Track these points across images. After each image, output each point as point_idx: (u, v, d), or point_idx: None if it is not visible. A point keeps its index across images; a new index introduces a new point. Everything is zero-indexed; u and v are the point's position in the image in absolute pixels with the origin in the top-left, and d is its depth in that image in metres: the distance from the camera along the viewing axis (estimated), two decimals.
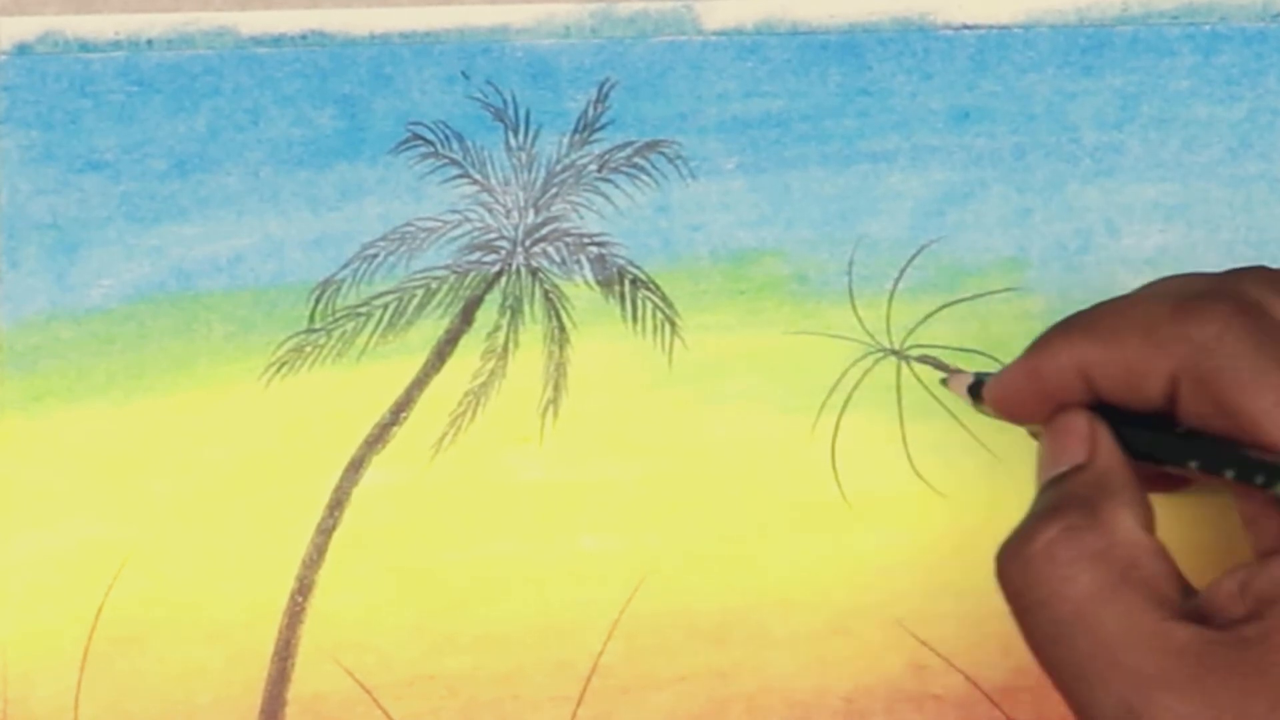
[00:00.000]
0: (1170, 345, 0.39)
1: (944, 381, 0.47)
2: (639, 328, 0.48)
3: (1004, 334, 0.48)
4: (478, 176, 0.49)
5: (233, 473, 0.48)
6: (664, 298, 0.48)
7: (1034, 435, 0.43)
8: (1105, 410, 0.41)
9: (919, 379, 0.48)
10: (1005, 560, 0.39)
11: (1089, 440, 0.40)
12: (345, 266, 0.49)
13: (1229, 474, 0.38)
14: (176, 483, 0.48)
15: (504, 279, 0.49)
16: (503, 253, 0.49)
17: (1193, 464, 0.39)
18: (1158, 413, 0.40)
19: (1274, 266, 0.41)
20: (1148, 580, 0.38)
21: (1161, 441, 0.40)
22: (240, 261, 0.49)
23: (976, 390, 0.44)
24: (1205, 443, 0.39)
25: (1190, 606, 0.38)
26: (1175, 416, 0.39)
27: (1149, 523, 0.39)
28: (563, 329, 0.48)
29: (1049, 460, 0.41)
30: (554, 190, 0.49)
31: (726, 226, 0.49)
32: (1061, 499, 0.40)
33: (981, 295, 0.48)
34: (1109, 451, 0.40)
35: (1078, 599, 0.38)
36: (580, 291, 0.49)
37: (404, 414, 0.48)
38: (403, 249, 0.49)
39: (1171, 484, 0.43)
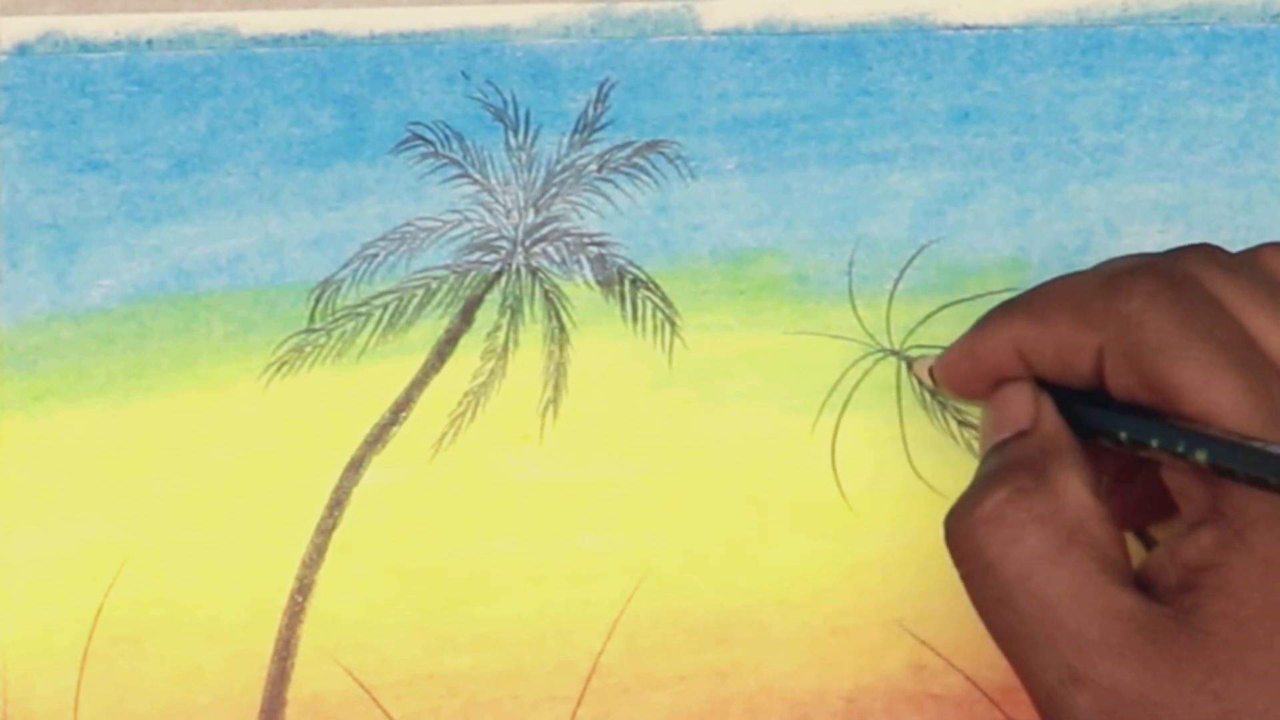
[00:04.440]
0: (1097, 321, 0.39)
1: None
2: (639, 328, 0.48)
3: None
4: (478, 176, 0.49)
5: (233, 473, 0.48)
6: (664, 298, 0.48)
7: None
8: (1042, 387, 0.41)
9: (919, 379, 0.48)
10: (954, 524, 0.40)
11: (1031, 407, 0.41)
12: (345, 266, 0.49)
13: (1153, 443, 0.38)
14: (176, 483, 0.48)
15: (504, 279, 0.49)
16: (503, 253, 0.49)
17: (1121, 434, 0.39)
18: (1092, 389, 0.40)
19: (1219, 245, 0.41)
20: (1094, 543, 0.38)
21: (1092, 414, 0.40)
22: (240, 261, 0.49)
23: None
24: (1132, 413, 0.39)
25: (1133, 572, 0.38)
26: (1107, 391, 0.40)
27: (1095, 486, 0.40)
28: (563, 329, 0.48)
29: (992, 428, 0.41)
30: (554, 190, 0.49)
31: (726, 226, 0.49)
32: (1008, 463, 0.40)
33: (981, 295, 0.48)
34: (1051, 418, 0.41)
35: (1024, 561, 0.38)
36: (580, 291, 0.49)
37: (404, 414, 0.48)
38: (403, 249, 0.49)
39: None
